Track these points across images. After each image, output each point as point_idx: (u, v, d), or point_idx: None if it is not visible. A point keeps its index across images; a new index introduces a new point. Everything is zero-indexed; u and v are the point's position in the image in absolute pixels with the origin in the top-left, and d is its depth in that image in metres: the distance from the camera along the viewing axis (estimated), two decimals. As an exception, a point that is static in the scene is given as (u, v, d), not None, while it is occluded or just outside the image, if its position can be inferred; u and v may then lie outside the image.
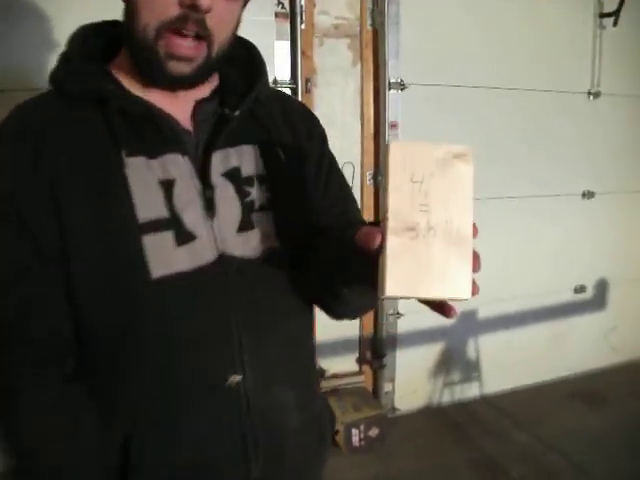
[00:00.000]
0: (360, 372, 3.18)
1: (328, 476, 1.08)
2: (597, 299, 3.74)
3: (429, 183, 0.62)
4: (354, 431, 2.81)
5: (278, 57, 2.65)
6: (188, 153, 0.82)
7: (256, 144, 0.89)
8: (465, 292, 0.63)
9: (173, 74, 0.80)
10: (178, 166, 0.81)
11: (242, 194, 0.85)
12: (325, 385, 3.01)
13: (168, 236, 0.79)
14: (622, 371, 3.80)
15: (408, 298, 0.61)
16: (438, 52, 2.94)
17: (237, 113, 0.87)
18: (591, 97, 3.41)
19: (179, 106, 0.85)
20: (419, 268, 0.60)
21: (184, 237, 0.80)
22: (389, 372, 3.04)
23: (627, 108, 3.53)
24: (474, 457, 2.88)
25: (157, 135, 0.81)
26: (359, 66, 2.88)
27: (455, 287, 0.62)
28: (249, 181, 0.86)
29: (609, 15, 3.28)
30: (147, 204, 0.78)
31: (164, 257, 0.78)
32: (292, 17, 2.64)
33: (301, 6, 2.63)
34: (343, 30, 2.82)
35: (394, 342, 3.16)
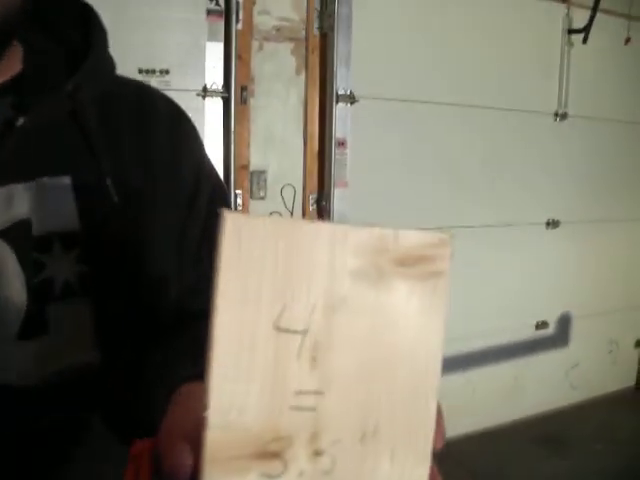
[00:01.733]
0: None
1: None
2: (559, 335, 3.63)
3: (326, 334, 0.27)
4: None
5: (209, 60, 2.32)
6: None
7: (68, 175, 0.52)
8: None
9: None
10: None
11: (31, 268, 0.48)
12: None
13: None
14: (583, 410, 3.71)
15: None
16: (392, 62, 2.71)
17: (21, 121, 0.50)
18: (558, 119, 3.27)
19: None
20: None
21: None
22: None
23: (595, 132, 3.41)
24: None
25: None
26: (303, 75, 2.57)
27: None
28: (45, 244, 0.49)
29: (579, 31, 3.12)
30: None
31: None
32: (227, 15, 2.31)
33: (237, 3, 2.31)
34: (286, 33, 2.50)
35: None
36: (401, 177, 2.78)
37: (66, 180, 0.51)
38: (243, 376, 0.25)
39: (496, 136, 3.08)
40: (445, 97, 2.87)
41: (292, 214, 2.44)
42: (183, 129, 0.65)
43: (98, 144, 0.54)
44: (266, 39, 2.45)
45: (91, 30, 0.58)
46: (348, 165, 2.60)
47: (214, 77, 2.33)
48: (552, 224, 3.36)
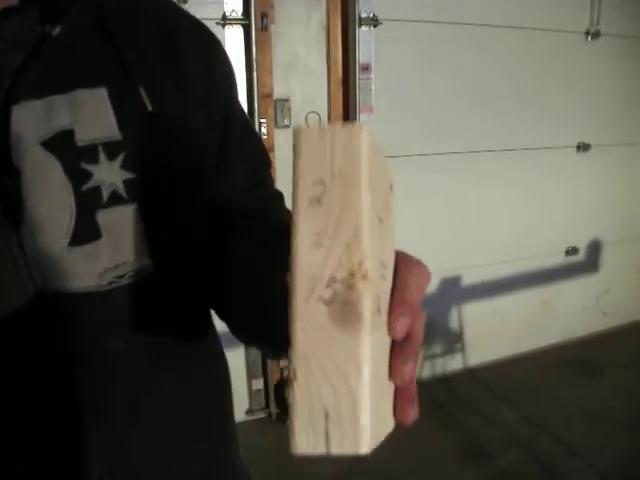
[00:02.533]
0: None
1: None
2: (589, 261, 3.60)
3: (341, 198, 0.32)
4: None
5: (228, -14, 2.28)
6: None
7: (104, 86, 0.52)
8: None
9: None
10: None
11: (78, 177, 0.49)
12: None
13: None
14: (615, 337, 3.72)
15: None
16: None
17: (57, 31, 0.50)
18: (589, 38, 3.15)
19: None
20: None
21: None
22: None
23: (628, 51, 3.29)
24: (458, 441, 2.68)
25: None
26: (324, -2, 2.51)
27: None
28: (91, 153, 0.50)
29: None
30: None
31: None
32: (244, -61, 2.26)
33: None
34: (305, -47, 2.43)
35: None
36: (428, 101, 2.74)
37: (102, 90, 0.51)
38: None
39: (525, 57, 2.99)
40: (472, 18, 2.79)
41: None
42: (212, 46, 0.65)
43: (128, 54, 0.53)
44: (285, -39, 2.40)
45: None
46: (373, 90, 2.57)
47: (233, 4, 2.29)
48: (583, 148, 3.29)
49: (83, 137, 0.50)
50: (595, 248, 3.58)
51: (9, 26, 0.49)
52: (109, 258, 0.50)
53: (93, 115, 0.50)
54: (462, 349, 3.29)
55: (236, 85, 0.68)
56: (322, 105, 2.54)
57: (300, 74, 2.47)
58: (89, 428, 0.51)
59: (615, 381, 3.19)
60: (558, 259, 3.46)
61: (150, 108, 0.52)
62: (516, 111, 3.02)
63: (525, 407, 2.91)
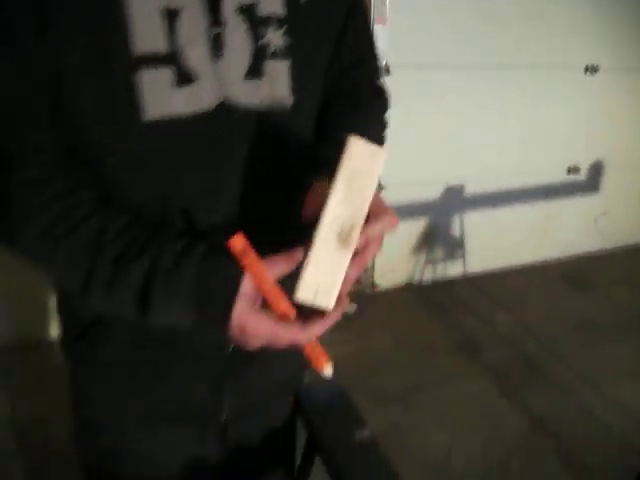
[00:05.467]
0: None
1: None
2: (590, 181, 3.71)
3: (357, 182, 0.66)
4: (331, 307, 2.76)
5: None
6: None
7: None
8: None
9: None
10: None
11: (256, 36, 0.73)
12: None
13: (166, 74, 0.68)
14: (610, 258, 3.87)
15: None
16: None
17: None
18: None
19: None
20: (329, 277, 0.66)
21: (184, 76, 0.69)
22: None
23: None
24: (453, 337, 2.91)
25: None
26: None
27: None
28: (266, 22, 0.73)
29: None
30: (144, 34, 0.66)
31: (160, 97, 0.68)
32: None
33: None
34: None
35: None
36: (440, 14, 2.80)
37: None
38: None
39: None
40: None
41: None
42: None
43: None
44: None
45: None
46: (387, 0, 2.64)
47: None
48: (591, 70, 3.33)
49: (262, 11, 0.73)
50: (597, 169, 3.68)
51: None
52: (267, 91, 0.74)
53: None
54: (463, 256, 3.45)
55: None
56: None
57: None
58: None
59: (604, 295, 3.39)
60: (560, 176, 3.57)
61: (303, 1, 0.76)
62: (528, 26, 3.06)
63: (518, 312, 3.13)
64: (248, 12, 0.72)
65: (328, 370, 0.68)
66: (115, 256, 0.67)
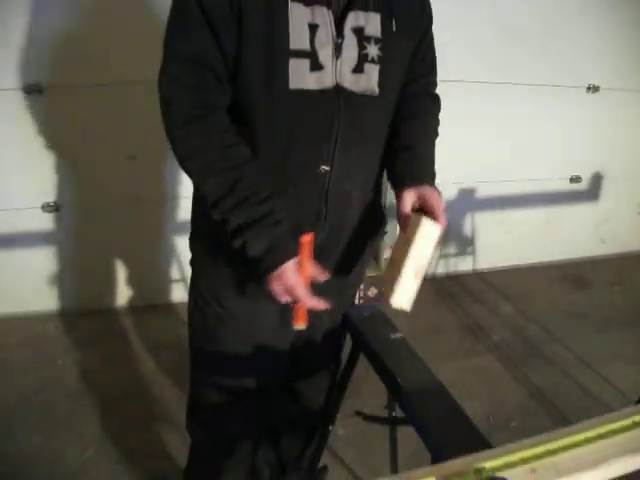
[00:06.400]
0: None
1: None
2: (591, 191, 3.89)
3: (424, 245, 1.11)
4: (355, 290, 3.03)
5: None
6: (331, 8, 1.08)
7: (379, 12, 1.13)
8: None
9: None
10: (323, 16, 1.06)
11: (361, 47, 1.12)
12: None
13: (305, 63, 1.06)
14: (609, 262, 4.04)
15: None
16: None
17: None
18: None
19: None
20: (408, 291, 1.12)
21: (316, 66, 1.07)
22: (389, 239, 3.20)
23: None
24: (462, 321, 3.19)
25: None
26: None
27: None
28: (368, 39, 1.13)
29: None
30: (297, 37, 1.05)
31: (300, 76, 1.06)
32: None
33: None
34: None
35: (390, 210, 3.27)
36: (456, 31, 2.93)
37: (377, 15, 1.13)
38: None
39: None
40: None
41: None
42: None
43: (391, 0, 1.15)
44: None
45: None
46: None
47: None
48: (592, 89, 3.54)
49: (367, 32, 1.13)
50: (597, 180, 3.84)
51: None
52: (364, 83, 1.15)
53: (373, 24, 1.14)
54: (473, 253, 3.69)
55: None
56: None
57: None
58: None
59: (600, 294, 3.60)
60: (563, 185, 3.76)
61: (395, 29, 1.16)
62: (538, 46, 3.24)
63: (521, 303, 3.37)
64: (358, 32, 1.12)
65: (301, 326, 1.14)
66: (251, 193, 1.07)
